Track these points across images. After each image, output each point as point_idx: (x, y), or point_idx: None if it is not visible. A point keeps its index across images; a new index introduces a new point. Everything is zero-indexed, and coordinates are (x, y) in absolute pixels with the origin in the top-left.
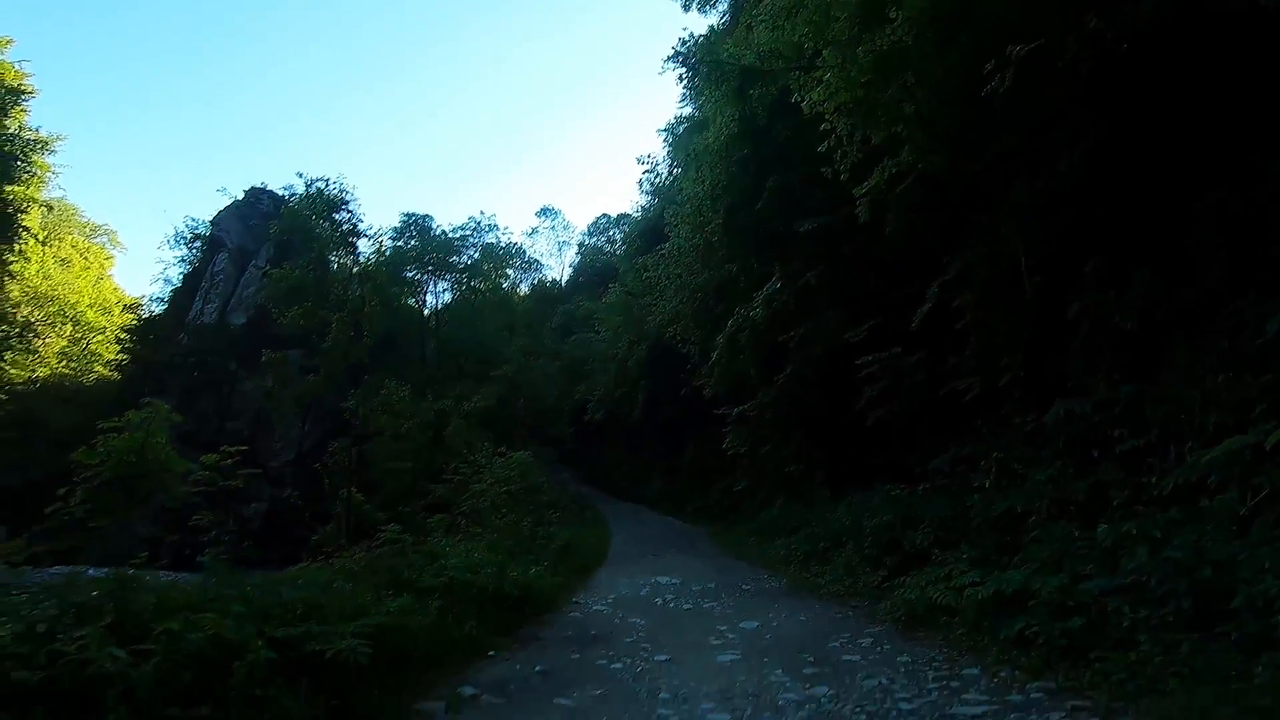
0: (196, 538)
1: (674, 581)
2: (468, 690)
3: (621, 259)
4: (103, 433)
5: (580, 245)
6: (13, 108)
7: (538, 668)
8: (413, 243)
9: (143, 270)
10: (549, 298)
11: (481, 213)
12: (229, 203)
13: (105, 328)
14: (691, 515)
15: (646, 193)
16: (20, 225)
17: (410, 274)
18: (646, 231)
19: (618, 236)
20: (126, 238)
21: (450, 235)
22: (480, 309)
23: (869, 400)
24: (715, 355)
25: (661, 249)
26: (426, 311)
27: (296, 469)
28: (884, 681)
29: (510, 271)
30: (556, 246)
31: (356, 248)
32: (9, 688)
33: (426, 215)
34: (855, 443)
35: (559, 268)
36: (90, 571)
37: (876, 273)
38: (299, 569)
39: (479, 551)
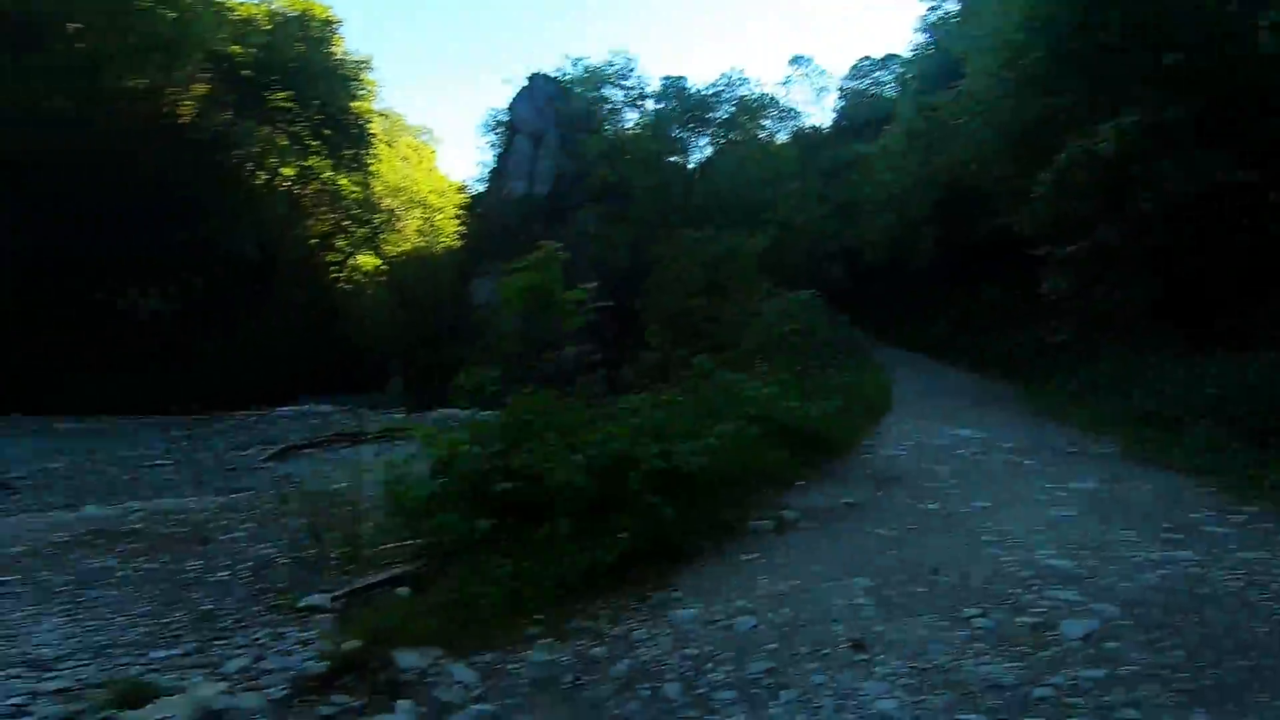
0: (519, 384)
1: (977, 435)
2: (789, 514)
3: (902, 99)
4: (509, 272)
5: (841, 90)
6: (332, 36)
7: (845, 500)
8: (673, 105)
9: (453, 157)
10: (811, 144)
11: (732, 68)
12: (518, 90)
13: (443, 208)
14: (987, 366)
15: (920, 30)
16: (370, 133)
17: (674, 133)
18: (931, 71)
19: (885, 79)
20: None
21: (704, 93)
22: (742, 160)
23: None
24: (1039, 191)
25: (956, 84)
26: (691, 166)
27: (602, 318)
28: (1264, 556)
29: (767, 122)
30: (815, 93)
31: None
32: (492, 497)
33: (681, 77)
34: (1225, 293)
35: (818, 114)
36: (463, 414)
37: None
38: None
39: (770, 389)
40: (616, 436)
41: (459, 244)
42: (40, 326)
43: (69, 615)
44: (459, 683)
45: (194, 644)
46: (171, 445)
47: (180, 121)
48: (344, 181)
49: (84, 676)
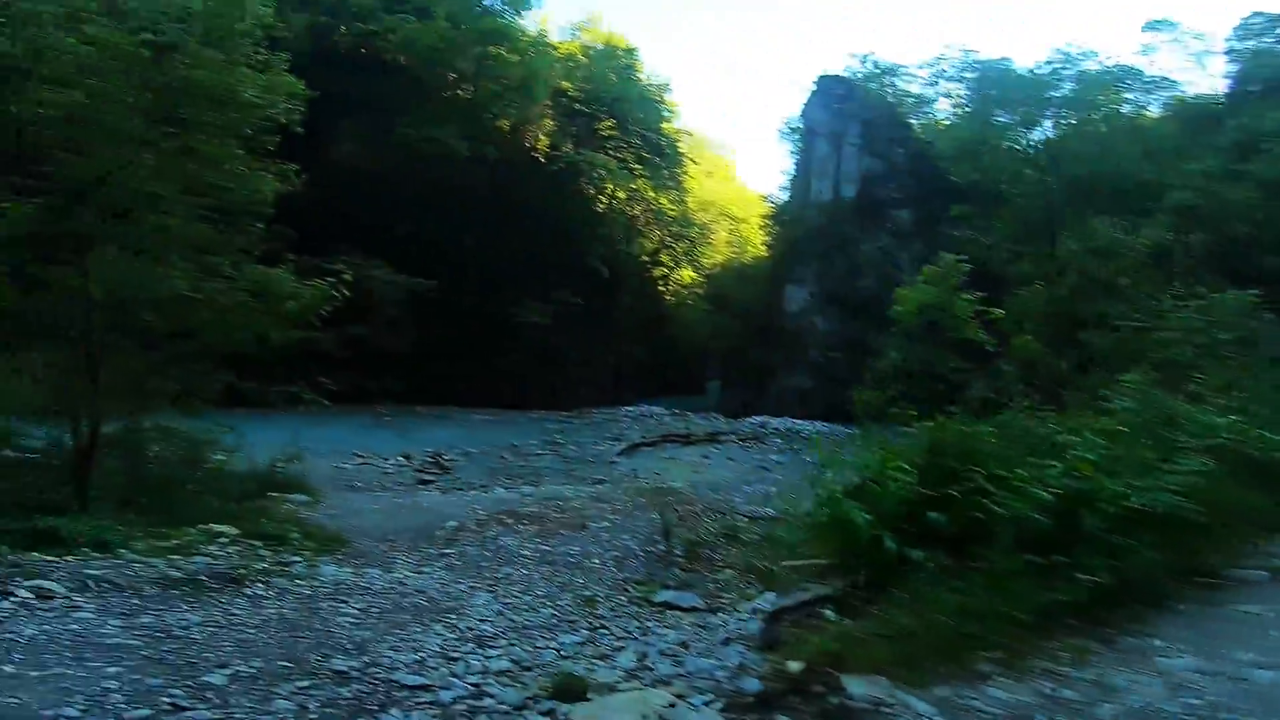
0: (838, 391)
1: None
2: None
3: None
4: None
5: (1231, 52)
6: (635, 63)
7: None
8: (993, 89)
9: (749, 166)
10: (1198, 116)
11: (1067, 43)
12: (809, 94)
13: (746, 219)
14: None
15: None
16: (680, 152)
17: (1000, 119)
18: None
19: None
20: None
21: (1036, 72)
22: (1102, 139)
23: None
24: None
25: None
26: (1033, 153)
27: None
28: None
29: (1130, 95)
30: (1195, 59)
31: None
32: (924, 527)
33: (1004, 58)
34: None
35: (1199, 81)
36: (774, 421)
37: None
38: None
39: (1230, 417)
40: (1079, 473)
41: (766, 252)
42: (456, 335)
43: (492, 590)
44: (921, 716)
45: (586, 630)
46: (546, 439)
47: (536, 155)
48: (664, 201)
49: (516, 656)
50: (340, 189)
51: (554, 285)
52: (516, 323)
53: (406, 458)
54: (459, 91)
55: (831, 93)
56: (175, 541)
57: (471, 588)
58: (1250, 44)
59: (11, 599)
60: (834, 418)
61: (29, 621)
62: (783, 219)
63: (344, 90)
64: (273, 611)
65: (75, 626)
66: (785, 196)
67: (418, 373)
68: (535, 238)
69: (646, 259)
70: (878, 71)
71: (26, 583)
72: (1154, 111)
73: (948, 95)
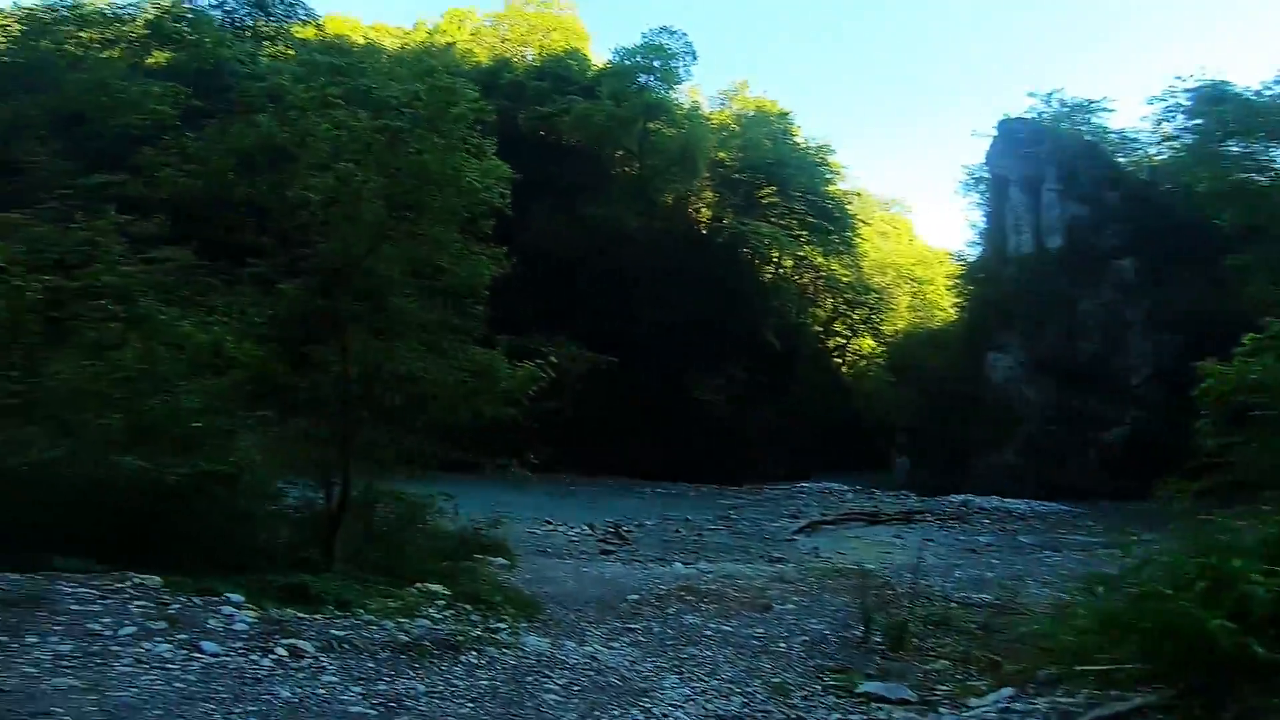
0: (1055, 468)
1: None
2: None
3: None
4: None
5: None
6: (790, 127)
7: None
8: (1216, 117)
9: (926, 223)
10: None
11: None
12: (992, 141)
13: (931, 280)
14: None
15: None
16: (850, 215)
17: (1231, 147)
18: None
19: None
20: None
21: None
22: None
23: None
24: None
25: None
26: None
27: (1156, 387)
28: None
29: None
30: None
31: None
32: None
33: (1223, 82)
34: None
35: None
36: (978, 500)
37: None
38: None
39: None
40: None
41: (958, 315)
42: (635, 409)
43: (679, 672)
44: None
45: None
46: (719, 514)
47: (700, 227)
48: (835, 266)
49: None
50: (530, 270)
51: (727, 359)
52: (690, 398)
53: (590, 527)
54: (626, 169)
55: (1017, 136)
56: (400, 603)
57: (659, 668)
58: None
59: (271, 656)
60: (1052, 496)
61: (284, 682)
62: (977, 277)
63: (529, 173)
64: (486, 684)
65: (322, 691)
66: (975, 253)
67: (601, 445)
68: (706, 311)
69: (820, 329)
70: (1066, 110)
71: (285, 641)
72: None
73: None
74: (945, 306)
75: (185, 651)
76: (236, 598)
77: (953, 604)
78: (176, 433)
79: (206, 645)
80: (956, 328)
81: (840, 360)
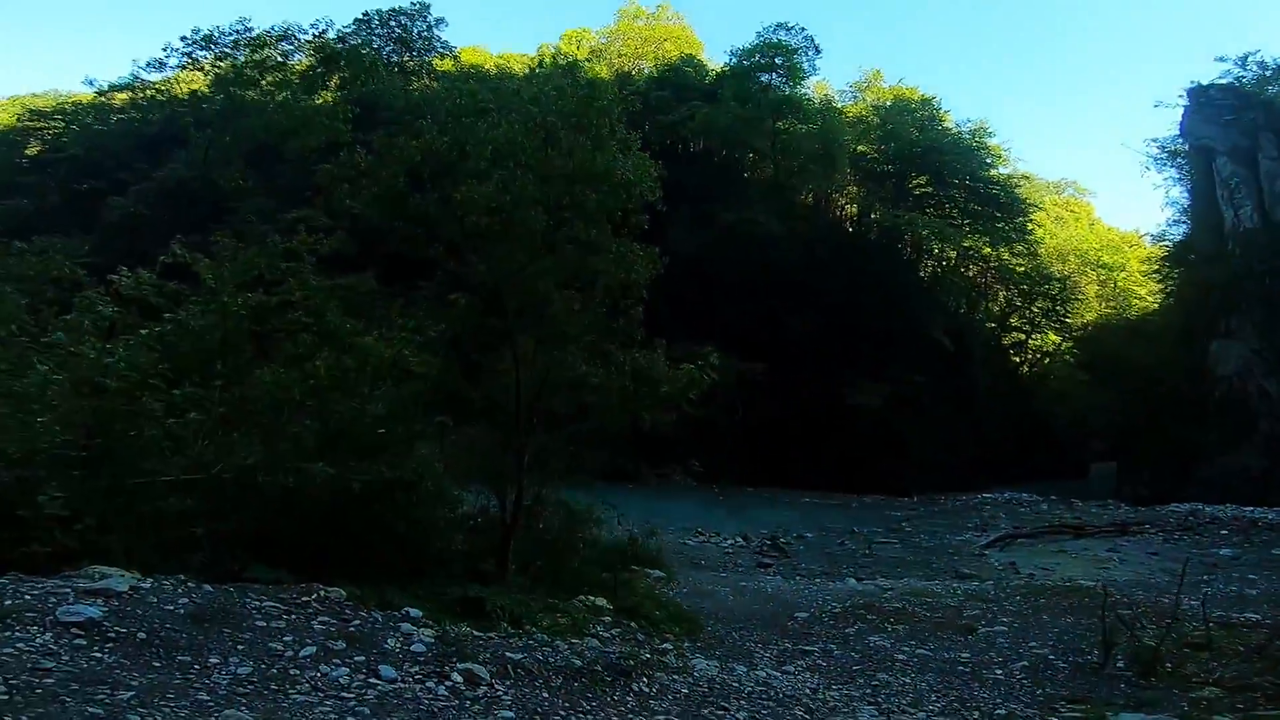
0: None
1: None
2: None
3: None
4: None
5: None
6: (937, 113)
7: None
8: None
9: (1106, 200)
10: None
11: None
12: (1185, 111)
13: (1122, 265)
14: None
15: None
16: (1019, 199)
17: None
18: None
19: None
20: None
21: None
22: None
23: None
24: None
25: None
26: None
27: None
28: None
29: None
30: None
31: None
32: None
33: None
34: None
35: None
36: (1209, 509)
37: None
38: None
39: None
40: None
41: (1166, 302)
42: (784, 417)
43: (874, 703)
44: None
45: None
46: (890, 526)
47: (847, 224)
48: (1006, 256)
49: None
50: (673, 275)
51: (888, 362)
52: (848, 404)
53: (744, 539)
54: (759, 171)
55: (1217, 104)
56: (569, 619)
57: (848, 697)
58: None
59: (446, 684)
60: None
61: (459, 716)
62: (1188, 259)
63: (662, 180)
64: (661, 714)
65: None
66: (1179, 232)
67: (752, 455)
68: (860, 312)
69: (994, 325)
70: (1268, 73)
71: (461, 665)
72: None
73: None
74: (1143, 295)
75: (362, 677)
76: (415, 613)
77: (1210, 625)
78: (362, 440)
79: (384, 670)
80: (1164, 316)
81: (1019, 359)
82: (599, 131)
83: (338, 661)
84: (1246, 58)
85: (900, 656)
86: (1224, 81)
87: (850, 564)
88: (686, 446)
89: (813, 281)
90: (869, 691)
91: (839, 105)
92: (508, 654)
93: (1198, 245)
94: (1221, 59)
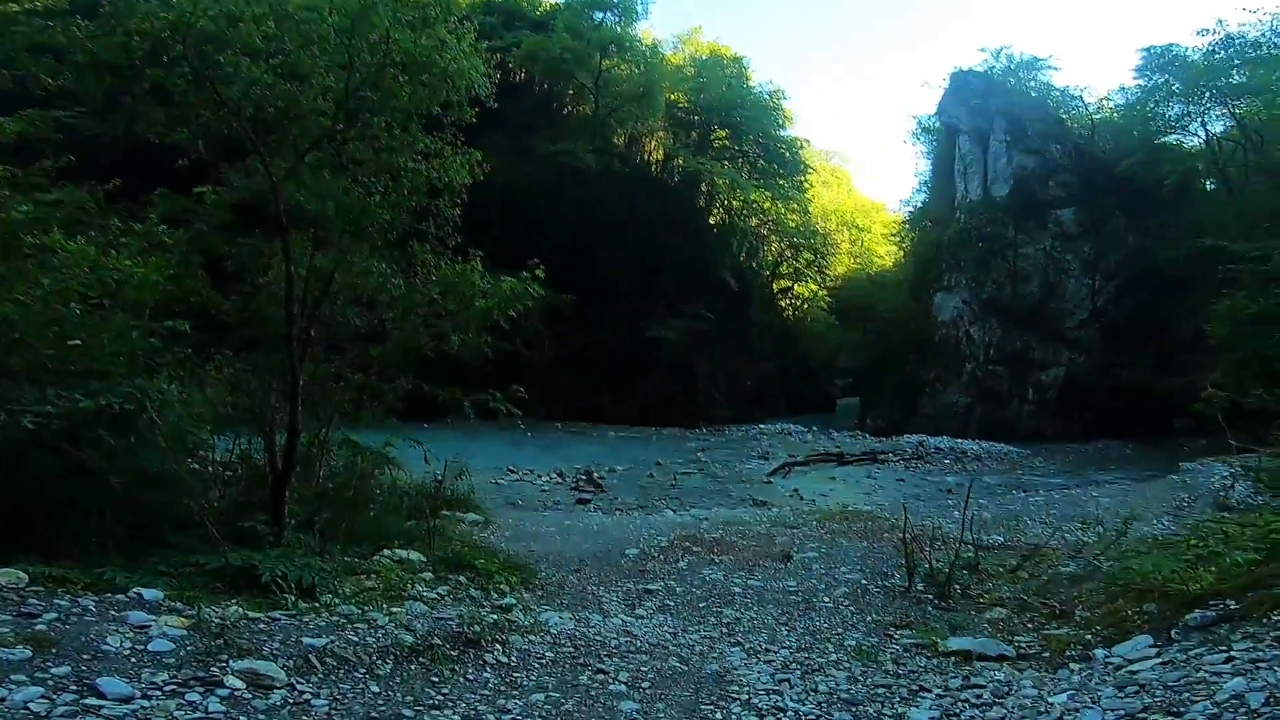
0: (997, 408)
1: None
2: None
3: None
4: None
5: None
6: (745, 72)
7: None
8: (1161, 78)
9: (860, 174)
10: None
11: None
12: (944, 92)
13: (869, 229)
14: None
15: None
16: (801, 160)
17: (1171, 110)
18: None
19: None
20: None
21: (1211, 57)
22: None
23: None
24: None
25: None
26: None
27: (1090, 331)
28: None
29: None
30: None
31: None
32: None
33: (1171, 44)
34: None
35: None
36: (932, 440)
37: None
38: None
39: None
40: None
41: (905, 259)
42: (592, 350)
43: (738, 642)
44: None
45: (910, 694)
46: (689, 457)
47: (654, 167)
48: (782, 210)
49: None
50: (483, 204)
51: (684, 300)
52: (650, 338)
53: (559, 475)
54: (581, 107)
55: (971, 88)
56: (378, 579)
57: (710, 640)
58: None
59: (220, 692)
60: (994, 436)
61: None
62: (923, 224)
63: (478, 108)
64: (536, 691)
65: None
66: (920, 200)
67: (555, 388)
68: (664, 252)
69: (768, 273)
70: (1014, 66)
71: (237, 664)
72: None
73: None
74: (882, 254)
75: (72, 699)
76: (153, 595)
77: (967, 547)
78: (49, 359)
79: (108, 685)
80: (902, 271)
81: (785, 304)
82: (426, 10)
83: (23, 679)
84: (1001, 50)
85: (736, 589)
86: (980, 69)
87: (661, 496)
88: (490, 380)
89: (623, 218)
90: (724, 631)
91: (662, 53)
92: (306, 639)
93: (933, 212)
94: (983, 49)
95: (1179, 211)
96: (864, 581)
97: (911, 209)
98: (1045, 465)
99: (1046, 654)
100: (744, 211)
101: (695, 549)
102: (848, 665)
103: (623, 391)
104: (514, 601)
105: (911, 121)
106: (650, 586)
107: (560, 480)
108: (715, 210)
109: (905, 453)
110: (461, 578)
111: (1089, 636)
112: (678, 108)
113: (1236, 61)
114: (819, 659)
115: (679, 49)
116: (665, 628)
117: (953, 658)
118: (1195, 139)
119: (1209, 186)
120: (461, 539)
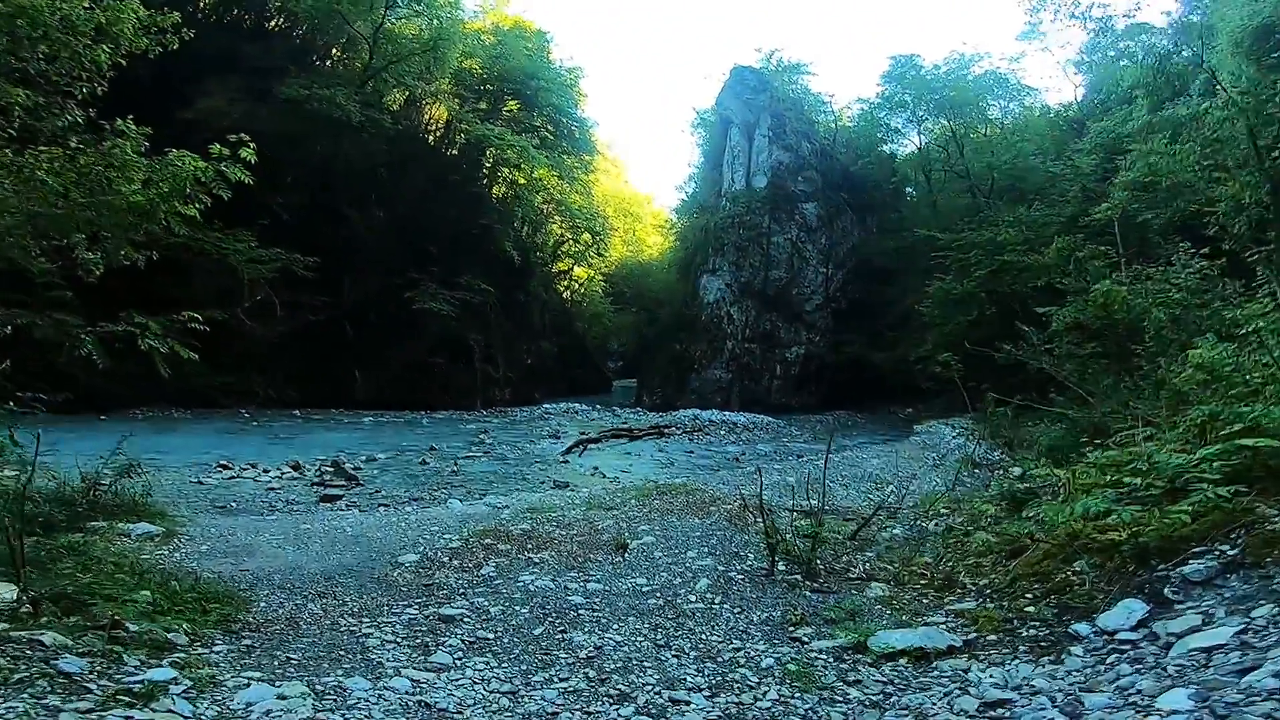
0: (752, 382)
1: None
2: None
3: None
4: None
5: (1084, 64)
6: (547, 47)
7: None
8: (896, 87)
9: (643, 163)
10: (1063, 121)
11: (963, 43)
12: (724, 84)
13: (640, 218)
14: None
15: None
16: (591, 141)
17: (897, 121)
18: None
19: (1136, 49)
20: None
21: (937, 72)
22: (991, 140)
23: None
24: None
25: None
26: (907, 154)
27: (824, 314)
28: None
29: (998, 102)
30: (1063, 68)
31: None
32: None
33: (913, 55)
34: None
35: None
36: (705, 415)
37: None
38: None
39: None
40: None
41: (675, 244)
42: (340, 324)
43: (623, 695)
44: None
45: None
46: (470, 440)
47: (434, 131)
48: (566, 190)
49: None
50: (200, 153)
51: (461, 271)
52: (416, 310)
53: (296, 468)
54: (352, 59)
55: (746, 83)
56: None
57: (575, 695)
58: (1102, 59)
59: None
60: (750, 408)
61: None
62: (692, 211)
63: (209, 50)
64: None
65: None
66: (690, 190)
67: (291, 368)
68: (436, 219)
69: (548, 253)
70: (780, 69)
71: None
72: (1015, 116)
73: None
74: (650, 245)
75: None
76: None
77: (797, 515)
78: None
79: None
80: (674, 256)
81: (564, 286)
82: None
83: None
84: (773, 52)
85: (575, 598)
86: (757, 67)
87: (442, 485)
88: (205, 360)
89: (386, 179)
90: (590, 675)
91: (461, 14)
92: None
93: (702, 199)
94: (758, 49)
95: (892, 210)
96: (720, 568)
97: (684, 196)
98: (800, 433)
99: (992, 637)
100: (529, 187)
101: (502, 546)
102: (794, 702)
103: (379, 371)
104: (172, 673)
105: (692, 113)
106: (448, 610)
107: (299, 474)
108: (499, 182)
109: (685, 426)
110: (86, 629)
111: (1030, 609)
112: (470, 74)
113: (954, 78)
114: (747, 699)
115: (480, 18)
116: (492, 684)
117: (902, 659)
118: (911, 145)
119: (911, 190)
120: (116, 561)
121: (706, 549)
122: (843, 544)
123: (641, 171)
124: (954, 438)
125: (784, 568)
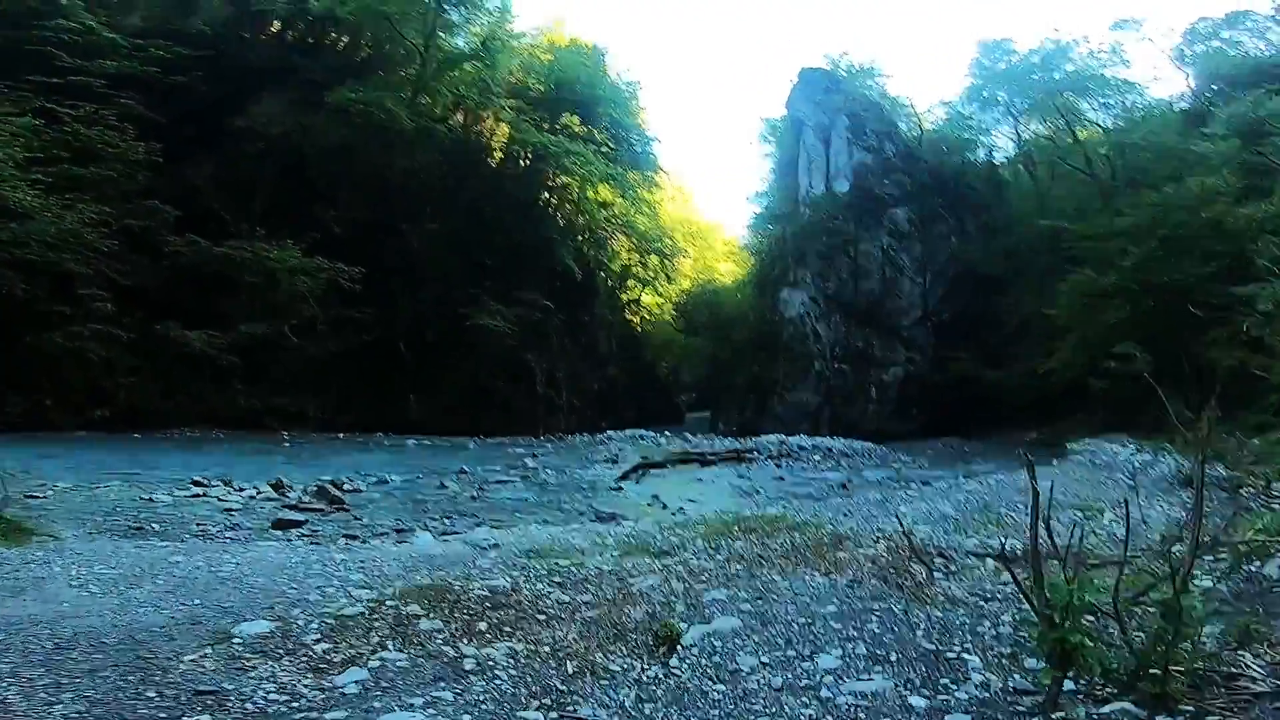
0: (844, 406)
1: None
2: None
3: None
4: None
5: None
6: (603, 63)
7: None
8: (983, 81)
9: (709, 192)
10: (1177, 112)
11: (1055, 29)
12: (793, 87)
13: (710, 245)
14: None
15: None
16: (654, 155)
17: (989, 117)
18: None
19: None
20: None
21: (1029, 61)
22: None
23: None
24: None
25: None
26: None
27: (922, 329)
28: None
29: (1101, 93)
30: (1171, 59)
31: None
32: None
33: (1005, 39)
34: None
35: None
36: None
37: None
38: None
39: None
40: None
41: (751, 259)
42: (393, 343)
43: None
44: None
45: None
46: (510, 464)
47: (495, 142)
48: (631, 209)
49: None
50: (248, 160)
51: (519, 285)
52: (473, 327)
53: (276, 488)
54: (405, 71)
55: (817, 85)
56: None
57: None
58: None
59: None
60: (842, 434)
61: None
62: (766, 224)
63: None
64: None
65: None
66: (764, 204)
67: (341, 389)
68: (492, 230)
69: (616, 276)
70: (852, 73)
71: None
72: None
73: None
74: (722, 273)
75: None
76: None
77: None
78: None
79: None
80: (750, 273)
81: (634, 314)
82: None
83: None
84: (842, 55)
85: None
86: (828, 69)
87: (447, 513)
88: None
89: (443, 190)
90: None
91: (518, 32)
92: None
93: (778, 207)
94: (826, 55)
95: (992, 213)
96: (910, 697)
97: (757, 210)
98: (912, 459)
99: None
100: (590, 199)
101: (428, 624)
102: None
103: (434, 393)
104: None
105: (760, 123)
106: None
107: (278, 496)
108: (558, 193)
109: (770, 451)
110: None
111: None
112: (527, 90)
113: (1050, 67)
114: None
115: (537, 37)
116: None
117: None
118: (1004, 141)
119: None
120: None
121: (859, 642)
122: (1126, 607)
123: (708, 201)
124: (1133, 455)
125: (1082, 684)
